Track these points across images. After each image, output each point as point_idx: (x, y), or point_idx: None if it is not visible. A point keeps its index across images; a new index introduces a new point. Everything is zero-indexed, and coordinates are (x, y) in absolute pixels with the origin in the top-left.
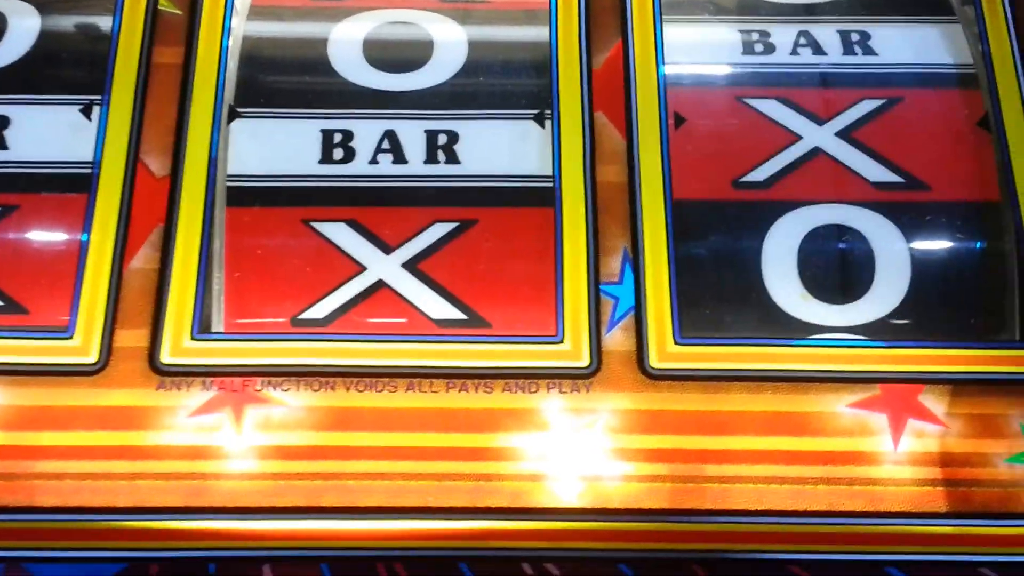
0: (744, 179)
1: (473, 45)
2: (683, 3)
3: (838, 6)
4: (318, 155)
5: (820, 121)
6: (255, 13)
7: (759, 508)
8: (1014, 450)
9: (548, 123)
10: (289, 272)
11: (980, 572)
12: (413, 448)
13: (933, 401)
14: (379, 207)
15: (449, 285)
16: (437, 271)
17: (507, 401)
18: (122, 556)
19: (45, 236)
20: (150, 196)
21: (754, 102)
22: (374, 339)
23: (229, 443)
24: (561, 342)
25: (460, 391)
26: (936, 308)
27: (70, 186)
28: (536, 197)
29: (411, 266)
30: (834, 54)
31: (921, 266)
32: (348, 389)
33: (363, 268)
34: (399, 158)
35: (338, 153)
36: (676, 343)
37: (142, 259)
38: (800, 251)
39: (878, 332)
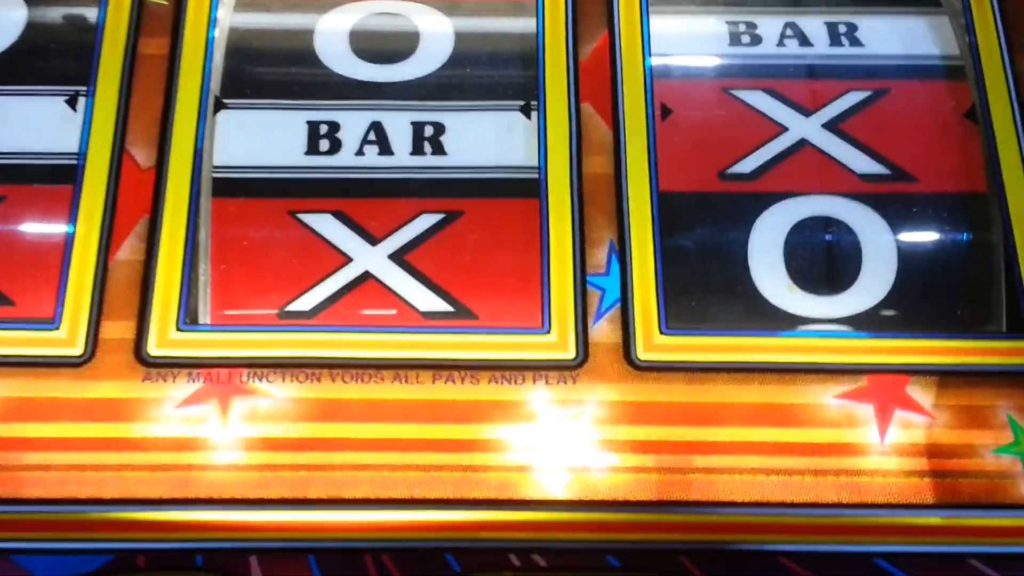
0: (730, 170)
1: (460, 36)
2: None
3: None
4: (304, 146)
5: (807, 112)
6: (241, 4)
7: (746, 499)
8: (1001, 441)
9: (534, 114)
10: (275, 263)
11: (967, 563)
12: (399, 439)
13: (920, 392)
14: (365, 198)
15: (435, 277)
16: (423, 263)
17: (493, 392)
18: (108, 548)
19: (30, 227)
20: (136, 187)
21: (741, 93)
22: (360, 330)
23: (215, 434)
24: (547, 333)
25: (446, 382)
26: (923, 299)
27: (55, 177)
28: (522, 188)
29: (397, 257)
30: (821, 45)
31: (908, 257)
32: (334, 380)
33: (349, 259)
34: (385, 149)
35: (324, 144)
36: (662, 334)
37: (128, 250)
38: (786, 243)
39: (865, 323)
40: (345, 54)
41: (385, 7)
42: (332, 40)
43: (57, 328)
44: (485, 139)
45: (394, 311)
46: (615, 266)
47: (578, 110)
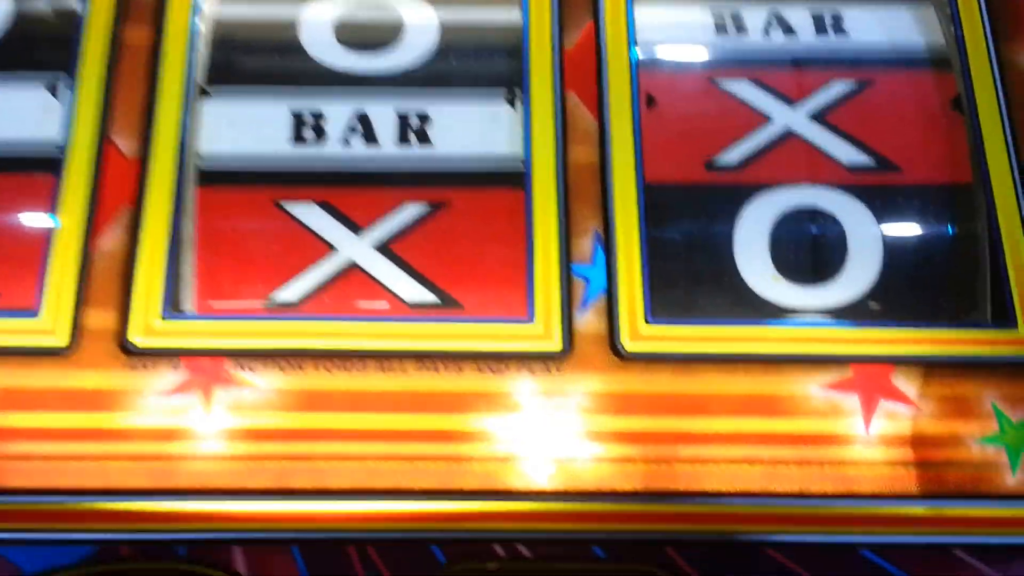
0: (716, 161)
1: (445, 26)
2: None
3: None
4: (289, 136)
5: (792, 103)
6: None
7: (732, 490)
8: (986, 431)
9: (520, 104)
10: (260, 253)
11: (953, 553)
12: (384, 430)
13: (905, 382)
14: (350, 188)
15: (420, 267)
16: (409, 253)
17: (478, 383)
18: (91, 538)
19: (13, 217)
20: (119, 176)
21: (726, 83)
22: (344, 320)
23: (199, 424)
24: (532, 323)
25: (431, 372)
26: (908, 290)
27: (39, 166)
28: (508, 179)
29: (383, 247)
30: (806, 35)
31: (893, 248)
32: (318, 370)
33: (334, 249)
34: (371, 139)
35: (309, 134)
36: (648, 324)
37: (111, 239)
38: (772, 233)
39: (850, 313)
40: (330, 44)
41: None
42: (317, 30)
43: (40, 317)
44: (470, 129)
45: (379, 301)
46: (600, 256)
47: (563, 100)
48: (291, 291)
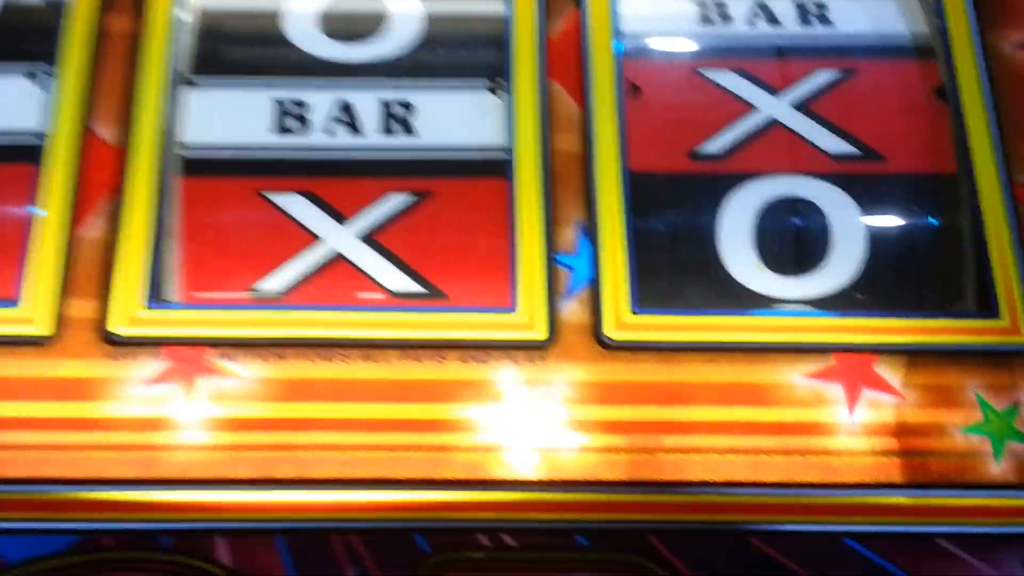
0: (700, 150)
1: (429, 16)
2: None
3: None
4: (272, 125)
5: (776, 92)
6: None
7: (716, 479)
8: (970, 420)
9: (504, 93)
10: (243, 243)
11: (936, 543)
12: (367, 419)
13: (888, 371)
14: (334, 178)
15: (405, 256)
16: (393, 242)
17: (462, 372)
18: (74, 528)
19: None
20: (101, 165)
21: (710, 73)
22: (327, 309)
23: (181, 414)
24: (516, 313)
25: (414, 362)
26: (891, 279)
27: (20, 155)
28: (492, 168)
29: (367, 237)
30: (790, 25)
31: (877, 237)
32: (302, 360)
33: (318, 239)
34: (354, 129)
35: (292, 123)
36: (632, 313)
37: (93, 228)
38: (756, 223)
39: (834, 303)
40: (314, 33)
41: None
42: (301, 19)
43: (21, 307)
44: (454, 118)
45: (364, 291)
46: (585, 245)
47: (547, 89)
48: (275, 281)
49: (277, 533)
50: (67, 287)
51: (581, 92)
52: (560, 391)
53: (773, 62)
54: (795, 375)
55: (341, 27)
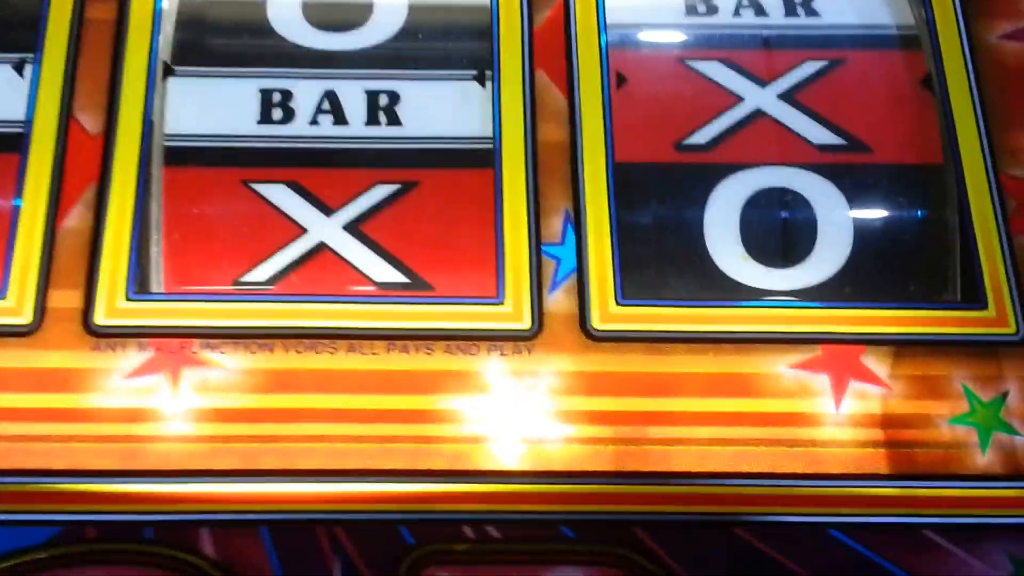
0: (686, 141)
1: (414, 5)
2: None
3: None
4: (257, 115)
5: (762, 83)
6: None
7: (701, 470)
8: (956, 411)
9: (489, 84)
10: (229, 234)
11: (922, 534)
12: (353, 410)
13: (875, 362)
14: (320, 168)
15: (391, 247)
16: (379, 233)
17: (448, 363)
18: (57, 519)
19: None
20: (84, 154)
21: (696, 63)
22: (313, 300)
23: (166, 405)
24: (502, 304)
25: (400, 353)
26: (878, 270)
27: (1, 145)
28: (478, 159)
29: (353, 228)
30: (776, 15)
31: (863, 228)
32: (287, 351)
33: (304, 230)
34: (339, 119)
35: (277, 113)
36: (618, 304)
37: (76, 218)
38: (742, 213)
39: (820, 294)
40: (299, 23)
41: None
42: (285, 9)
43: (3, 297)
44: (440, 109)
45: (349, 282)
46: (570, 236)
47: (532, 79)
48: (260, 272)
49: (262, 524)
50: (50, 278)
51: (567, 82)
52: (546, 382)
53: (759, 53)
54: (781, 366)
55: (326, 17)
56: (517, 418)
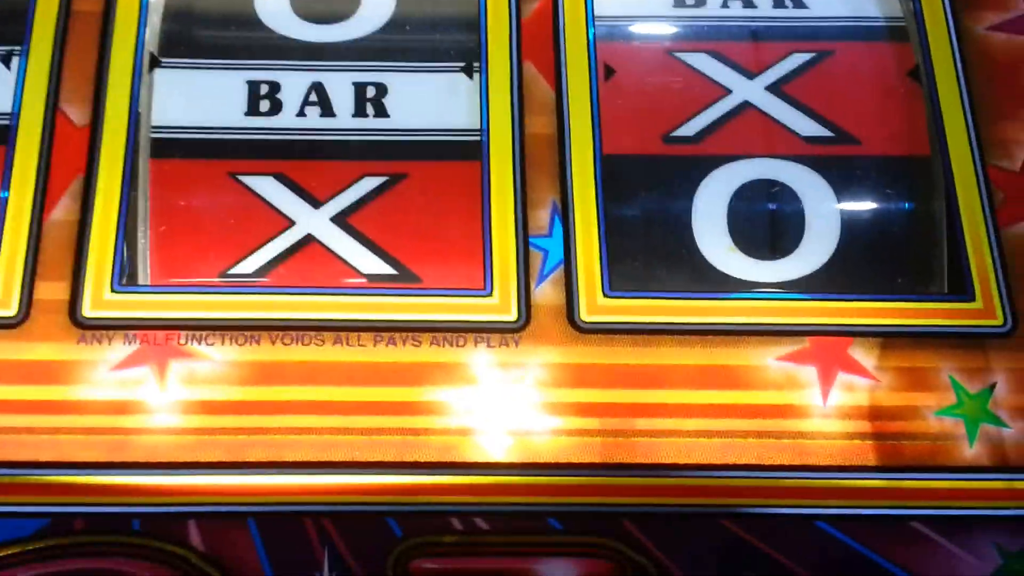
0: (674, 133)
1: None
2: None
3: None
4: (244, 107)
5: (750, 75)
6: None
7: (689, 462)
8: (944, 403)
9: (477, 76)
10: (216, 227)
11: (909, 526)
12: (340, 402)
13: (863, 354)
14: (307, 160)
15: (378, 239)
16: (366, 225)
17: (435, 355)
18: (44, 511)
19: None
20: (70, 146)
21: (684, 55)
22: (300, 292)
23: (153, 398)
24: (489, 295)
25: (388, 345)
26: (865, 261)
27: None
28: (466, 150)
29: (340, 220)
30: (765, 7)
31: (851, 220)
32: (274, 343)
33: (292, 222)
34: (327, 111)
35: (264, 105)
36: (606, 296)
37: (62, 210)
38: (730, 205)
39: (808, 285)
40: (286, 15)
41: None
42: (273, 0)
43: None
44: (427, 101)
45: (337, 275)
46: (558, 227)
47: (520, 70)
48: (247, 264)
49: (249, 516)
50: (36, 270)
51: (555, 74)
52: (533, 374)
53: (747, 45)
54: (769, 358)
55: (314, 8)
56: (505, 410)
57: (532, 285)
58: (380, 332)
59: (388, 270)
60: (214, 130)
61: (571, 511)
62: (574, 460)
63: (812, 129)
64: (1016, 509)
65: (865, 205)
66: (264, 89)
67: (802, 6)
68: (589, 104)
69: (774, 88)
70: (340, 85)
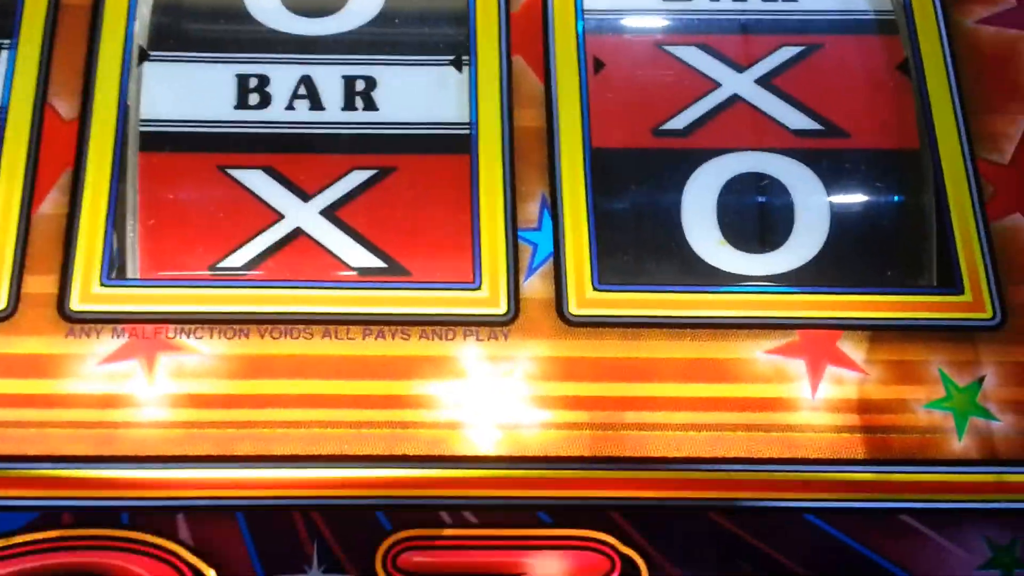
0: (664, 127)
1: None
2: None
3: None
4: (233, 100)
5: (740, 68)
6: None
7: (677, 455)
8: (932, 396)
9: (466, 69)
10: (205, 220)
11: (898, 519)
12: (329, 396)
13: (852, 347)
14: (296, 154)
15: (368, 233)
16: (356, 219)
17: (424, 348)
18: (33, 505)
19: None
20: (58, 139)
21: (674, 49)
22: (289, 286)
23: (141, 391)
24: (479, 289)
25: (377, 338)
26: (855, 255)
27: None
28: (455, 144)
29: (329, 214)
30: (754, 1)
31: (840, 213)
32: (263, 336)
33: (281, 216)
34: (316, 104)
35: (254, 98)
36: (595, 289)
37: (51, 204)
38: (719, 199)
39: (797, 279)
40: (275, 7)
41: None
42: None
43: None
44: (417, 94)
45: (326, 268)
46: (547, 221)
47: (509, 64)
48: (236, 257)
49: (238, 510)
50: (25, 263)
51: (544, 68)
52: (522, 367)
53: (737, 38)
54: (758, 351)
55: (303, 2)
56: (494, 403)
57: (521, 278)
58: (369, 325)
59: (377, 263)
60: (203, 123)
61: (560, 504)
62: (563, 453)
63: (801, 122)
64: (1005, 502)
65: (854, 198)
66: (253, 82)
67: None
68: (578, 97)
69: (763, 81)
70: (329, 78)
